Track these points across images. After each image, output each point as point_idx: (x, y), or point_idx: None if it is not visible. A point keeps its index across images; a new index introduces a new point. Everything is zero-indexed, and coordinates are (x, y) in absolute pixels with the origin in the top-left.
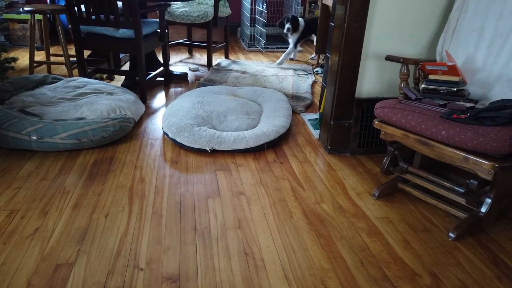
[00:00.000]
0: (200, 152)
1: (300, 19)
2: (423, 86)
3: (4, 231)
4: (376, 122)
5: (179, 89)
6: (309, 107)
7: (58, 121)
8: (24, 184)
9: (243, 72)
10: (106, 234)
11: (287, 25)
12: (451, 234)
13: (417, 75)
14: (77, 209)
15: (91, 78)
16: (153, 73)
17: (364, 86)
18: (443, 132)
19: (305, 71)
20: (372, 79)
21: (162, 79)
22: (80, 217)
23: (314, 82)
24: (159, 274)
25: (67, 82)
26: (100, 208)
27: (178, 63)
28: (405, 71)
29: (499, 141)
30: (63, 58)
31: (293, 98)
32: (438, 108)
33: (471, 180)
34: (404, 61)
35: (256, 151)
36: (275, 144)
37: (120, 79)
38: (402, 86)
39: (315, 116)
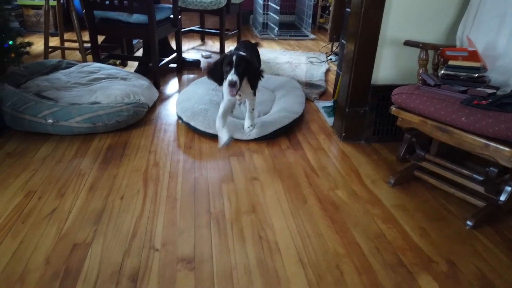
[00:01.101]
0: (214, 138)
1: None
2: (442, 72)
3: (22, 211)
4: (393, 108)
5: (192, 75)
6: (323, 95)
7: (73, 105)
8: (40, 166)
9: None
10: (121, 215)
11: (233, 77)
12: (468, 222)
13: (436, 61)
14: (93, 191)
15: (105, 64)
16: (166, 59)
17: (380, 73)
18: (463, 118)
19: (318, 58)
20: (388, 66)
21: (175, 65)
22: (96, 199)
23: (328, 70)
24: (174, 255)
25: (81, 67)
26: (115, 191)
27: (191, 50)
28: (424, 57)
29: None
30: (77, 43)
31: (307, 85)
32: (458, 94)
33: (491, 168)
34: (424, 46)
35: (269, 138)
36: (289, 131)
37: (133, 65)
38: (420, 72)
39: (329, 103)
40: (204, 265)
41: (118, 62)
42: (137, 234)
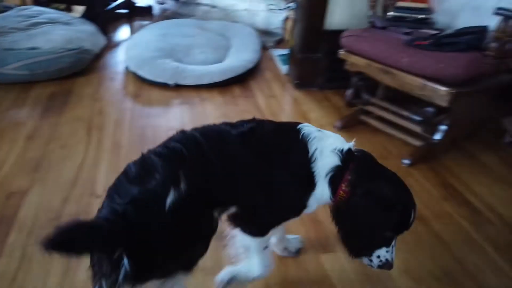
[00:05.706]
0: (164, 86)
1: None
2: (390, 13)
3: None
4: (342, 52)
5: (144, 22)
6: (279, 43)
7: (8, 50)
8: None
9: (213, 6)
10: (62, 164)
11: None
12: (405, 161)
13: (386, 2)
14: (32, 140)
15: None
16: (114, 4)
17: (334, 18)
18: (405, 58)
19: (278, 6)
20: (342, 11)
21: (126, 11)
22: (35, 148)
23: (287, 18)
24: None
25: (19, 11)
26: (56, 139)
27: None
28: None
29: (457, 67)
30: None
31: (264, 33)
32: (402, 36)
33: (428, 108)
34: None
35: (222, 86)
36: (242, 79)
37: (79, 11)
38: (370, 14)
39: (285, 51)
40: None
41: (62, 7)
42: (78, 181)
